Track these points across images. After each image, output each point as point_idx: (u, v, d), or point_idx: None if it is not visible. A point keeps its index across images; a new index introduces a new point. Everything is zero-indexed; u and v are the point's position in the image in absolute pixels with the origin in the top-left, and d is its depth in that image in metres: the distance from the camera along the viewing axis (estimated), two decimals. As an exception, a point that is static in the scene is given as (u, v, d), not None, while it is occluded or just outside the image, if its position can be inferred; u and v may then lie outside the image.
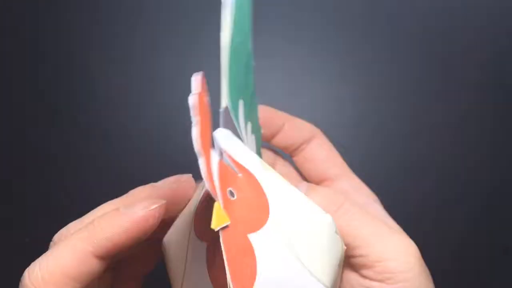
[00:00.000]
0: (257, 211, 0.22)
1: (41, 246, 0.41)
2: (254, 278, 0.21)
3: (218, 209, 0.20)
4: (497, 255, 0.33)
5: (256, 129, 0.28)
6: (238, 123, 0.24)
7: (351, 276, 0.26)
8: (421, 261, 0.25)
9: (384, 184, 0.38)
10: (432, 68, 0.42)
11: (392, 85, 0.42)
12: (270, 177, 0.23)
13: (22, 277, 0.25)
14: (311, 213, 0.23)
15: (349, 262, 0.26)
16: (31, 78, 0.42)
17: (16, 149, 0.42)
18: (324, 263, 0.23)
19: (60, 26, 0.43)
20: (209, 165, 0.20)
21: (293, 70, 0.43)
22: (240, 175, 0.23)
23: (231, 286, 0.20)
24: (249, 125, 0.26)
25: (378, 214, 0.29)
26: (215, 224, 0.20)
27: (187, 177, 0.26)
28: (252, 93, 0.26)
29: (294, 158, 0.31)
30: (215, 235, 0.21)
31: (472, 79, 0.42)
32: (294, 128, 0.30)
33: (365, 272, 0.25)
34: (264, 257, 0.21)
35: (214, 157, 0.22)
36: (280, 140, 0.30)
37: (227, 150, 0.23)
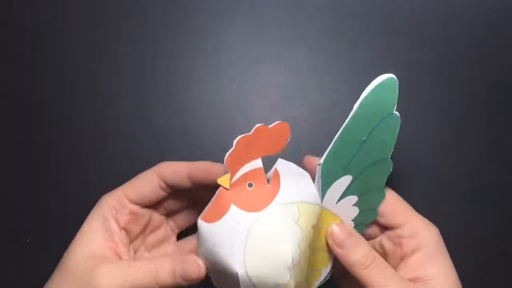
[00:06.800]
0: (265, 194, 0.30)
1: (41, 246, 0.41)
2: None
3: (225, 179, 0.30)
4: (494, 256, 0.33)
5: (365, 208, 0.34)
6: (325, 182, 0.32)
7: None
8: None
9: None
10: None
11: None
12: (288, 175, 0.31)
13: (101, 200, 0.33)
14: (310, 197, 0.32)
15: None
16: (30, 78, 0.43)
17: (17, 150, 0.42)
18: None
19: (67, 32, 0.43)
20: (235, 160, 0.29)
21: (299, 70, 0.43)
22: (269, 182, 0.30)
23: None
24: (354, 198, 0.34)
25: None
26: (220, 181, 0.30)
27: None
28: (373, 188, 0.34)
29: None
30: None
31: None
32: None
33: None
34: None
35: (253, 165, 0.30)
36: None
37: (277, 167, 0.31)
